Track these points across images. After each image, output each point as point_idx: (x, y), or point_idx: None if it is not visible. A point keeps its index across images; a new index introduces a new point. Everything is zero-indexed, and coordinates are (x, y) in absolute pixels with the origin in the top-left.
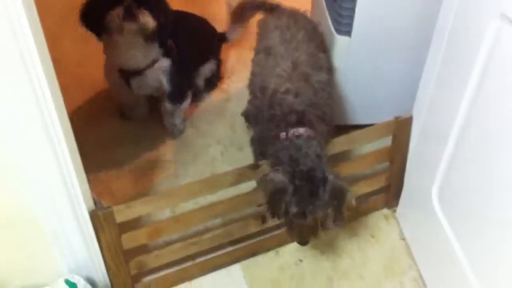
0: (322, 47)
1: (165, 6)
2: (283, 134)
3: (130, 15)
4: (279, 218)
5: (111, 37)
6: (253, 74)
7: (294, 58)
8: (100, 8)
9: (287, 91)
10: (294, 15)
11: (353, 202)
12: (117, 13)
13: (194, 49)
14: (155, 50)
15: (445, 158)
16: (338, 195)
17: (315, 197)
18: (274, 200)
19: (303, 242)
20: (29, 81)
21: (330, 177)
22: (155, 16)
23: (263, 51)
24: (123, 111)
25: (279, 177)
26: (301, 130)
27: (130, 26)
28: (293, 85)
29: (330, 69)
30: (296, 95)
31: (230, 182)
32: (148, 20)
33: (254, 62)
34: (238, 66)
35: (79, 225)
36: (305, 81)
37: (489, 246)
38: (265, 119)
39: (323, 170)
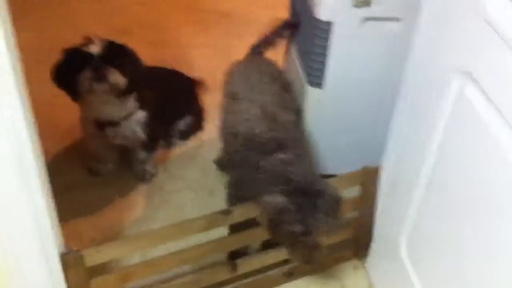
0: (287, 89)
1: (135, 60)
2: (262, 163)
3: (99, 76)
4: (283, 242)
5: (85, 96)
6: (221, 120)
7: (261, 101)
8: (70, 71)
9: (260, 133)
10: (258, 61)
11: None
12: (86, 75)
13: (168, 105)
14: (130, 104)
15: (412, 209)
16: (334, 205)
17: (315, 211)
18: (277, 223)
19: (310, 261)
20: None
21: (326, 188)
22: (125, 73)
23: (229, 97)
24: (92, 166)
25: (277, 197)
26: (282, 155)
27: (100, 87)
28: (264, 127)
29: (297, 110)
30: (268, 131)
31: (201, 227)
32: (117, 78)
33: (221, 108)
34: (211, 113)
35: (49, 269)
36: (274, 121)
37: None
38: (241, 160)
39: (318, 182)
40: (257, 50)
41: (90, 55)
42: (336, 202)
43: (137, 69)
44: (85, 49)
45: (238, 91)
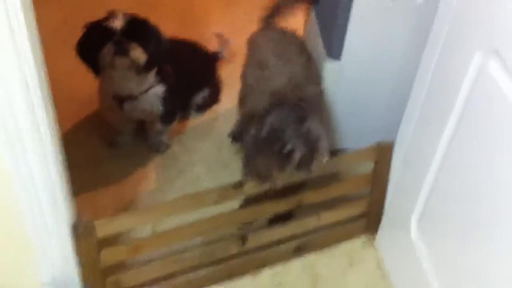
0: (312, 60)
1: (157, 36)
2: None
3: (120, 51)
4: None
5: (105, 71)
6: (246, 87)
7: (288, 70)
8: (92, 45)
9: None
10: (283, 32)
11: (325, 158)
12: (108, 49)
13: (187, 78)
14: (150, 78)
15: (425, 187)
16: (312, 137)
17: (289, 122)
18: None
19: (264, 178)
20: (26, 95)
21: (312, 119)
22: (146, 49)
23: (256, 65)
24: (110, 137)
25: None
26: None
27: (121, 61)
28: (289, 97)
29: (320, 82)
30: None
31: (213, 200)
32: (139, 54)
33: (247, 76)
34: (226, 86)
35: (60, 238)
36: (300, 92)
37: (466, 277)
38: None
39: (306, 113)
40: (270, 20)
41: (112, 30)
42: (315, 136)
43: (159, 45)
44: (108, 24)
45: (265, 59)
